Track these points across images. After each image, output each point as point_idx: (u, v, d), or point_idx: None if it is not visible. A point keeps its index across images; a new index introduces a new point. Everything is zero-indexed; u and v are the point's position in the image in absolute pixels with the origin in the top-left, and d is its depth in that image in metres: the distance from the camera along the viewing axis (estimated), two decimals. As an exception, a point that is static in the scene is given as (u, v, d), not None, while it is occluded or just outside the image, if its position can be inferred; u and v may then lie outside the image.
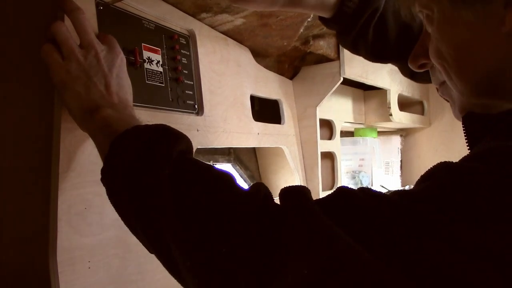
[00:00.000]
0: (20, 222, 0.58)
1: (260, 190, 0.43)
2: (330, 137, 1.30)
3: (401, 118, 1.48)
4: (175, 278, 0.46)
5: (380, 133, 1.69)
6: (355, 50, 0.74)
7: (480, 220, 0.32)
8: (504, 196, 0.32)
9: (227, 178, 0.46)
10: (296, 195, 0.41)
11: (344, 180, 1.49)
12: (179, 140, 0.50)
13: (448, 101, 0.55)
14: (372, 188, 0.39)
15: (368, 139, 1.54)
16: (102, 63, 0.54)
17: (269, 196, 0.43)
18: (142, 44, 0.70)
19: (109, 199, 0.49)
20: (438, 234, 0.33)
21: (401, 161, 1.71)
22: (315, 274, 0.34)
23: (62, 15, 0.55)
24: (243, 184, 1.18)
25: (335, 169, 1.32)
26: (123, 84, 0.56)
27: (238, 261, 0.38)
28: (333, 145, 1.28)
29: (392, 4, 0.68)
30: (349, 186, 0.42)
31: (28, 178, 0.58)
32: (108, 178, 0.49)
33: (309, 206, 0.38)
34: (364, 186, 1.46)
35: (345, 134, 1.60)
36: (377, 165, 1.57)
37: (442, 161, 0.38)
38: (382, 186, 1.54)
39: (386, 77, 1.38)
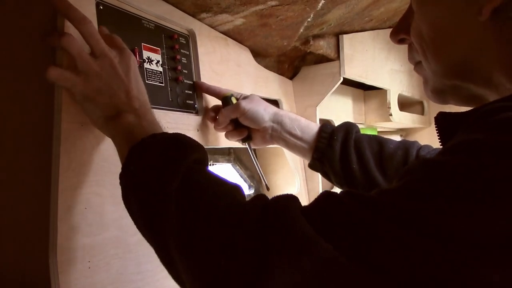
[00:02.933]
0: (20, 222, 0.58)
1: (256, 204, 0.44)
2: (330, 137, 1.30)
3: (401, 118, 1.48)
4: (177, 283, 0.47)
5: (380, 133, 1.69)
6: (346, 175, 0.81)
7: (447, 205, 0.33)
8: (468, 181, 0.33)
9: (231, 191, 0.47)
10: (283, 205, 0.42)
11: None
12: (193, 150, 0.51)
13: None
14: (356, 191, 0.40)
15: (368, 139, 1.54)
16: (118, 69, 0.54)
17: (266, 208, 0.43)
18: (142, 43, 0.70)
19: (123, 203, 0.51)
20: (411, 226, 0.33)
21: (401, 161, 1.71)
22: (298, 280, 0.35)
23: (62, 20, 0.55)
24: (243, 185, 1.18)
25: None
26: (140, 87, 0.57)
27: (231, 273, 0.39)
28: (333, 145, 1.28)
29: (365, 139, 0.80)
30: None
31: (28, 178, 0.57)
32: (123, 183, 0.51)
33: (292, 218, 0.39)
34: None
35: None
36: (377, 165, 1.57)
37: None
38: (382, 186, 1.54)
39: (386, 77, 1.38)
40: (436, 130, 0.47)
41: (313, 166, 0.84)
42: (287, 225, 0.38)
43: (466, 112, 0.43)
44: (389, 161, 0.78)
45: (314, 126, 0.83)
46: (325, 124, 0.83)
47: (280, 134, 0.83)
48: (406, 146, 0.79)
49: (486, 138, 0.35)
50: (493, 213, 0.31)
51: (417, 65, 0.55)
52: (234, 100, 0.82)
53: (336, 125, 0.83)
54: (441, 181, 0.35)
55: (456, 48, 0.47)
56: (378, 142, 0.80)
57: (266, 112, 0.82)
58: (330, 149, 0.79)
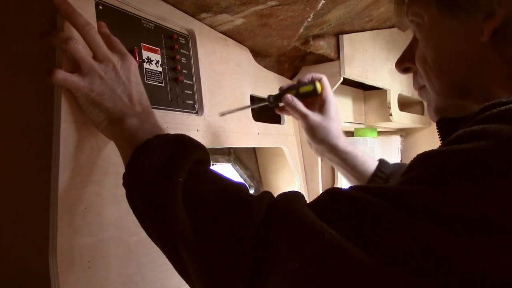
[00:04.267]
0: (20, 222, 0.58)
1: (263, 199, 0.45)
2: (330, 137, 1.30)
3: (401, 118, 1.47)
4: (184, 279, 0.47)
5: (380, 133, 1.69)
6: None
7: (453, 191, 0.34)
8: (471, 167, 0.34)
9: (236, 188, 0.48)
10: (288, 199, 0.43)
11: (344, 180, 1.49)
12: (196, 150, 0.52)
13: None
14: (363, 185, 0.41)
15: (368, 139, 1.54)
16: (121, 74, 0.56)
17: (273, 203, 0.45)
18: (142, 44, 0.70)
19: (128, 202, 0.51)
20: (420, 212, 0.34)
21: (401, 161, 1.71)
22: (305, 266, 0.36)
23: (62, 20, 0.55)
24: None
25: (335, 169, 1.31)
26: (142, 91, 0.58)
27: (239, 263, 0.40)
28: (333, 145, 1.28)
29: None
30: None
31: (28, 178, 0.57)
32: (128, 183, 0.51)
33: (297, 207, 0.40)
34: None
35: (345, 134, 1.60)
36: (377, 165, 1.56)
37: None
38: (382, 186, 1.54)
39: (386, 77, 1.38)
40: (438, 134, 0.49)
41: None
42: (293, 216, 0.39)
43: (466, 115, 0.44)
44: None
45: (371, 165, 0.85)
46: (383, 164, 0.85)
47: (333, 160, 0.87)
48: None
49: (481, 128, 0.37)
50: (499, 197, 0.32)
51: (421, 90, 0.58)
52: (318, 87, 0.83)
53: (392, 164, 0.86)
54: (445, 168, 0.35)
55: (458, 68, 0.49)
56: None
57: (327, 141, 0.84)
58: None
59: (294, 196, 0.43)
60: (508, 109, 0.37)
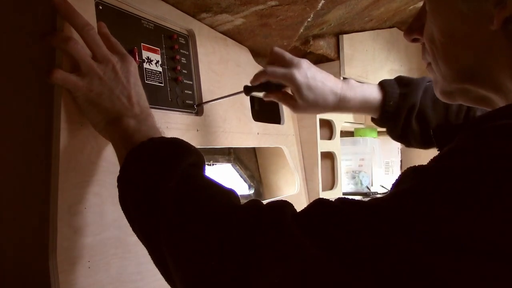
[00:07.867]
0: (20, 222, 0.58)
1: (251, 207, 0.45)
2: (330, 137, 1.30)
3: (401, 118, 1.47)
4: (170, 285, 0.47)
5: (380, 133, 1.68)
6: (405, 141, 0.85)
7: (435, 209, 0.33)
8: (453, 186, 0.34)
9: (227, 194, 0.48)
10: (275, 210, 0.43)
11: (344, 180, 1.49)
12: (189, 155, 0.52)
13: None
14: (349, 197, 0.40)
15: (368, 139, 1.54)
16: (120, 74, 0.55)
17: (260, 212, 0.44)
18: (142, 44, 0.70)
19: (120, 204, 0.52)
20: (400, 228, 0.34)
21: (401, 161, 1.71)
22: (284, 282, 0.36)
23: (62, 20, 0.55)
24: (243, 185, 1.18)
25: (335, 169, 1.32)
26: (141, 92, 0.58)
27: (220, 272, 0.40)
28: (333, 145, 1.28)
29: (430, 98, 0.79)
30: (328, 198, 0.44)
31: (28, 178, 0.58)
32: (121, 185, 0.52)
33: (283, 219, 0.40)
34: (363, 186, 1.46)
35: (345, 134, 1.60)
36: (377, 165, 1.57)
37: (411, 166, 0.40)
38: (382, 186, 1.54)
39: (386, 77, 1.38)
40: (434, 141, 0.49)
41: (374, 123, 0.87)
42: (276, 227, 0.39)
43: (461, 124, 0.44)
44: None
45: (373, 104, 0.82)
46: (386, 100, 0.81)
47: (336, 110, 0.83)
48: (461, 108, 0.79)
49: (474, 146, 0.36)
50: (478, 217, 0.31)
51: (429, 66, 0.55)
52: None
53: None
54: (436, 186, 0.35)
55: (466, 54, 0.47)
56: (444, 107, 0.80)
57: (327, 100, 0.80)
58: (393, 123, 0.82)
59: (281, 207, 0.43)
60: (504, 125, 0.36)
